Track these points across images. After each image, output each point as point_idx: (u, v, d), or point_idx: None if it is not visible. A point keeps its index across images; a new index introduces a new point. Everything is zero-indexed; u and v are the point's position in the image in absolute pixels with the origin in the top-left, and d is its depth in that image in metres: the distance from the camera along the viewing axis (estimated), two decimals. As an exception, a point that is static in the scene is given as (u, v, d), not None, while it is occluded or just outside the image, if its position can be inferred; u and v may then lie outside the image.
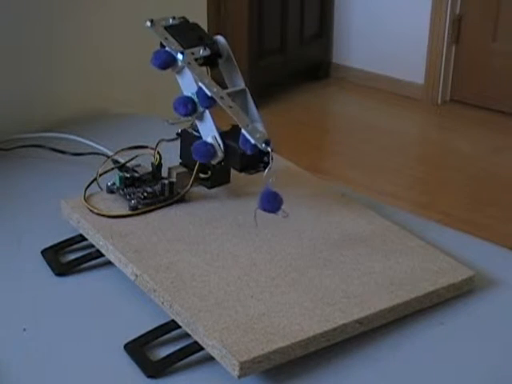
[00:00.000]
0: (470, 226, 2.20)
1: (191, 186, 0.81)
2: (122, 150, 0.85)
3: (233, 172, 0.82)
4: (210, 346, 0.62)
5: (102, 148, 0.96)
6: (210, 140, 0.78)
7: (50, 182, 0.93)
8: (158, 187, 0.81)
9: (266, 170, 0.72)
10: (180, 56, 0.77)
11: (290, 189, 0.85)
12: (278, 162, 0.87)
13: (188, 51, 0.78)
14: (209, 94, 0.76)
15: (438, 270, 0.71)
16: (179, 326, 0.65)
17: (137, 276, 0.70)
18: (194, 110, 0.77)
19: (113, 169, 0.84)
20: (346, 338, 0.64)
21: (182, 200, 0.81)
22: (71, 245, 0.79)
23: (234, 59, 0.81)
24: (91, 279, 0.75)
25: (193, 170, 0.81)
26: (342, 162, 2.74)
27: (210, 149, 0.77)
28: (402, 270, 0.71)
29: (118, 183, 0.81)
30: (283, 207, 0.72)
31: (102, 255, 0.76)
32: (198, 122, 0.79)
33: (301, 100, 3.23)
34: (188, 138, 0.81)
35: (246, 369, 0.59)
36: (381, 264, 0.72)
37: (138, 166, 0.84)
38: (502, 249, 0.81)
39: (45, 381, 0.62)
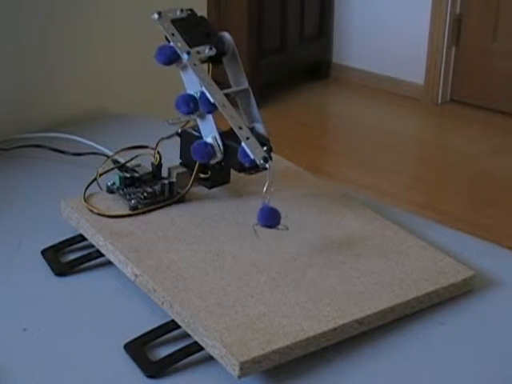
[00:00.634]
0: (470, 226, 2.20)
1: (191, 185, 0.81)
2: (122, 149, 0.85)
3: (233, 172, 0.82)
4: (210, 346, 0.62)
5: (102, 148, 0.96)
6: (209, 140, 0.78)
7: (50, 182, 0.93)
8: (157, 187, 0.81)
9: (266, 187, 0.71)
10: (186, 56, 0.77)
11: (290, 189, 0.85)
12: (278, 162, 0.87)
13: (193, 50, 0.77)
14: (211, 100, 0.76)
15: (438, 270, 0.71)
16: (179, 326, 0.65)
17: (137, 276, 0.70)
18: (196, 108, 0.77)
19: (113, 169, 0.84)
20: (345, 338, 0.65)
21: (182, 200, 0.81)
22: (71, 245, 0.79)
23: (238, 57, 0.81)
24: (91, 279, 0.75)
25: (193, 170, 0.81)
26: (342, 162, 2.74)
27: (209, 149, 0.77)
28: (401, 270, 0.71)
29: (117, 183, 0.81)
30: (283, 221, 0.72)
31: (101, 255, 0.76)
32: (199, 121, 0.79)
33: (301, 100, 3.23)
34: (188, 138, 0.81)
35: (246, 369, 0.59)
36: (381, 264, 0.72)
37: (138, 165, 0.84)
38: (502, 249, 0.81)
39: (45, 381, 0.62)
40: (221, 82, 0.77)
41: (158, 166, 0.83)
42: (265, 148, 0.74)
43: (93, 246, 0.77)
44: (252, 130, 0.81)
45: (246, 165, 0.74)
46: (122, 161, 0.84)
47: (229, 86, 0.80)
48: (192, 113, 0.78)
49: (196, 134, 0.81)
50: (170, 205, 0.80)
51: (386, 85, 3.26)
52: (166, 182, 0.81)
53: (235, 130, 0.74)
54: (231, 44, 0.80)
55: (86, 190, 0.81)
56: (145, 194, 0.80)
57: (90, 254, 0.77)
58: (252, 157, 0.73)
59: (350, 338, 0.65)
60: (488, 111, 3.06)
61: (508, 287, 0.73)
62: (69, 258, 0.77)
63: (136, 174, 0.82)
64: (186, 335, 0.65)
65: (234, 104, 0.81)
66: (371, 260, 0.72)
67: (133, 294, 0.71)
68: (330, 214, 0.80)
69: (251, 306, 0.65)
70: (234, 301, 0.66)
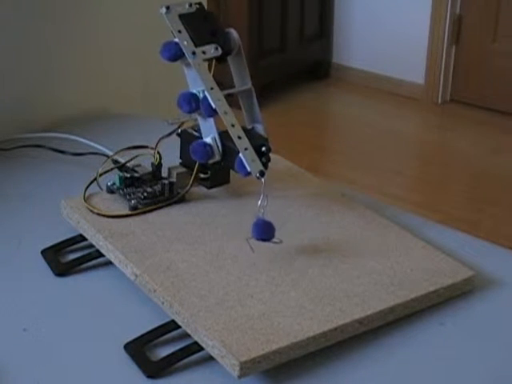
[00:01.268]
0: (470, 226, 2.20)
1: (191, 186, 0.81)
2: (122, 150, 0.85)
3: (232, 172, 0.82)
4: (210, 346, 0.62)
5: (102, 148, 0.96)
6: (209, 140, 0.78)
7: (49, 181, 0.93)
8: (158, 187, 0.81)
9: (260, 201, 0.71)
10: (191, 56, 0.76)
11: (290, 189, 0.85)
12: (278, 162, 0.87)
13: (199, 50, 0.77)
14: (213, 106, 0.75)
15: (438, 270, 0.71)
16: (179, 326, 0.65)
17: (137, 276, 0.70)
18: (198, 107, 0.77)
19: (113, 169, 0.84)
20: (345, 338, 0.65)
21: (182, 200, 0.81)
22: (71, 245, 0.79)
23: (243, 55, 0.80)
24: (91, 279, 0.75)
25: (193, 170, 0.81)
26: (342, 162, 2.74)
27: (207, 149, 0.77)
28: (401, 270, 0.71)
29: (117, 183, 0.81)
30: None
31: (101, 255, 0.76)
32: (200, 120, 0.79)
33: (301, 100, 3.23)
34: (188, 138, 0.81)
35: (245, 369, 0.59)
36: (381, 264, 0.72)
37: (138, 165, 0.84)
38: (502, 249, 0.81)
39: (45, 381, 0.62)
40: (222, 83, 0.77)
41: (157, 166, 0.83)
42: (263, 159, 0.74)
43: (93, 245, 0.77)
44: (252, 129, 0.81)
45: (242, 175, 0.74)
46: (122, 161, 0.84)
47: (230, 85, 0.80)
48: (193, 112, 0.77)
49: (196, 134, 0.81)
50: (170, 205, 0.80)
51: (386, 85, 3.26)
52: (165, 182, 0.81)
53: (234, 139, 0.74)
54: (237, 42, 0.80)
55: (85, 189, 0.81)
56: (145, 194, 0.80)
57: (89, 254, 0.77)
58: (248, 170, 0.73)
59: (350, 338, 0.65)
60: (488, 111, 3.06)
61: (508, 287, 0.73)
62: (69, 258, 0.77)
63: (136, 174, 0.82)
64: (186, 335, 0.65)
65: (236, 103, 0.81)
66: (371, 260, 0.72)
67: (133, 294, 0.71)
68: (329, 214, 0.80)
69: (251, 305, 0.65)
70: (233, 301, 0.66)
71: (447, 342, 0.66)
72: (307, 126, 3.03)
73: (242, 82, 0.81)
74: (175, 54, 0.77)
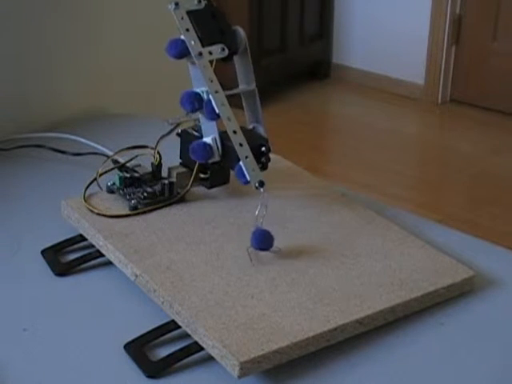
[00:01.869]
0: (470, 226, 2.19)
1: (191, 186, 0.81)
2: (122, 150, 0.85)
3: (232, 172, 0.82)
4: (210, 346, 0.62)
5: (102, 148, 0.96)
6: (209, 140, 0.77)
7: (50, 182, 0.93)
8: (158, 187, 0.81)
9: (258, 210, 0.71)
10: (197, 58, 0.76)
11: (290, 189, 0.85)
12: (278, 162, 0.87)
13: (205, 51, 0.76)
14: (217, 111, 0.75)
15: (438, 270, 0.71)
16: (179, 326, 0.65)
17: (137, 276, 0.70)
18: (200, 107, 0.76)
19: (113, 169, 0.84)
20: (346, 338, 0.65)
21: (181, 200, 0.81)
22: (71, 245, 0.79)
23: (249, 55, 0.80)
24: (91, 279, 0.75)
25: (193, 170, 0.81)
26: (342, 162, 2.74)
27: (207, 149, 0.77)
28: (401, 270, 0.71)
29: (117, 183, 0.81)
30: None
31: (102, 255, 0.76)
32: (201, 119, 0.78)
33: (301, 100, 3.23)
34: (188, 138, 0.81)
35: (245, 369, 0.59)
36: (381, 264, 0.72)
37: (138, 165, 0.84)
38: (502, 249, 0.81)
39: (45, 381, 0.62)
40: (222, 84, 0.77)
41: (157, 166, 0.83)
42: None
43: (93, 245, 0.77)
44: (252, 130, 0.81)
45: (242, 183, 0.74)
46: (122, 161, 0.84)
47: (230, 87, 0.80)
48: (196, 111, 0.77)
49: (196, 134, 0.81)
50: (170, 205, 0.80)
51: (386, 85, 3.26)
52: (166, 182, 0.81)
53: (235, 146, 0.74)
54: (244, 40, 0.80)
55: (85, 189, 0.81)
56: (145, 194, 0.80)
57: (89, 254, 0.77)
58: (248, 178, 0.73)
59: (350, 338, 0.65)
60: (488, 111, 3.06)
61: (508, 287, 0.73)
62: (69, 257, 0.77)
63: (136, 174, 0.82)
64: (186, 335, 0.65)
65: (237, 102, 0.81)
66: (371, 260, 0.72)
67: (133, 294, 0.71)
68: (329, 214, 0.80)
69: (251, 306, 0.65)
70: (233, 301, 0.66)
71: (447, 342, 0.66)
72: (307, 125, 3.03)
73: (247, 81, 0.81)
74: (181, 51, 0.76)
